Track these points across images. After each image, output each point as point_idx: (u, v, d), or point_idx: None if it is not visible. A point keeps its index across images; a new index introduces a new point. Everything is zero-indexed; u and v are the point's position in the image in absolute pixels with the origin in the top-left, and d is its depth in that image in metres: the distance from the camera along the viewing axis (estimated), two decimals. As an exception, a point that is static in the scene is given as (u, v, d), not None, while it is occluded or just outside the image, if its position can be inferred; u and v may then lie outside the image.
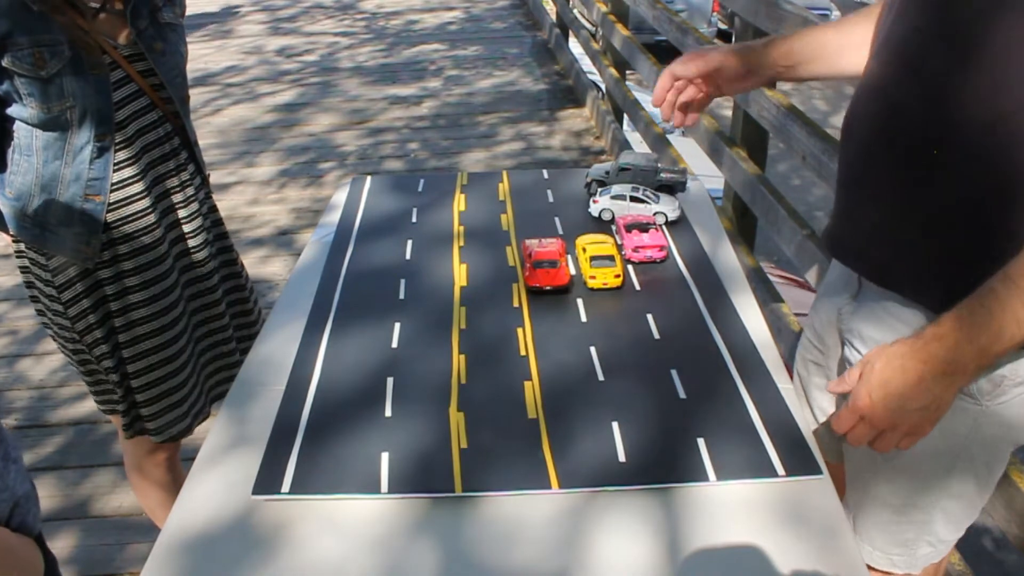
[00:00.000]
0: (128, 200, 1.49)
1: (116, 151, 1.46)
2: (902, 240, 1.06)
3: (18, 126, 1.40)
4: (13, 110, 1.37)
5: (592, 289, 1.40)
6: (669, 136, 4.10)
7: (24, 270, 1.57)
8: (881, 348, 0.99)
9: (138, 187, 1.50)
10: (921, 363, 0.93)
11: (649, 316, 1.33)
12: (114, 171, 1.46)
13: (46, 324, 1.63)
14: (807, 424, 1.11)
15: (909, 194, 1.03)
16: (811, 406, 1.30)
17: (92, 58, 1.37)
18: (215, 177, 2.76)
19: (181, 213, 1.60)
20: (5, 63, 1.31)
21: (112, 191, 1.47)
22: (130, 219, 1.50)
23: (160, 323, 1.57)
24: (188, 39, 1.64)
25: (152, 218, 1.53)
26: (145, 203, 1.51)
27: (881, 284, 1.09)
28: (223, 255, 1.74)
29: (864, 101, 1.09)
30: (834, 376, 1.26)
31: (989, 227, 0.98)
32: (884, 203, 1.07)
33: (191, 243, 1.62)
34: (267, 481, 1.02)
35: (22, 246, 1.52)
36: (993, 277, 0.90)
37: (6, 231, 1.53)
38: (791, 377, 1.24)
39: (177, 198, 1.59)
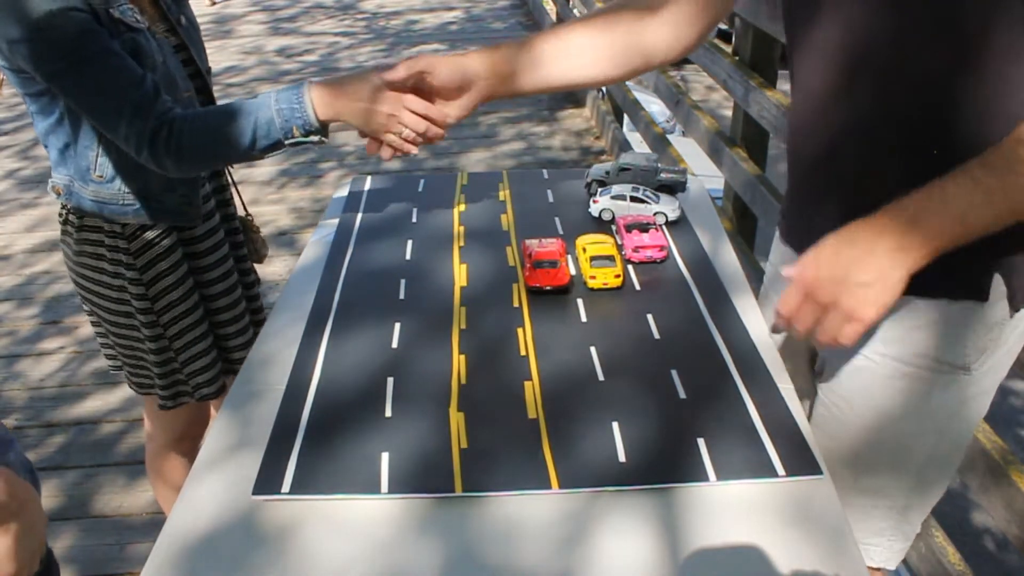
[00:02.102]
0: None
1: None
2: None
3: None
4: None
5: (592, 289, 1.40)
6: (669, 136, 4.10)
7: (81, 255, 1.54)
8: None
9: None
10: (873, 234, 0.91)
11: (649, 316, 1.33)
12: None
13: (86, 299, 1.60)
14: (807, 426, 1.10)
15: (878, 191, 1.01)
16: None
17: (155, 24, 1.44)
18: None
19: (218, 183, 1.67)
20: (116, 15, 1.33)
21: None
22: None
23: (226, 283, 1.64)
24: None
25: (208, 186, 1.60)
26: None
27: None
28: (234, 234, 1.77)
29: (833, 107, 1.06)
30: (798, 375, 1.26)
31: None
32: (855, 202, 1.04)
33: (220, 213, 1.70)
34: (267, 481, 1.02)
35: (101, 235, 1.51)
36: (959, 169, 0.89)
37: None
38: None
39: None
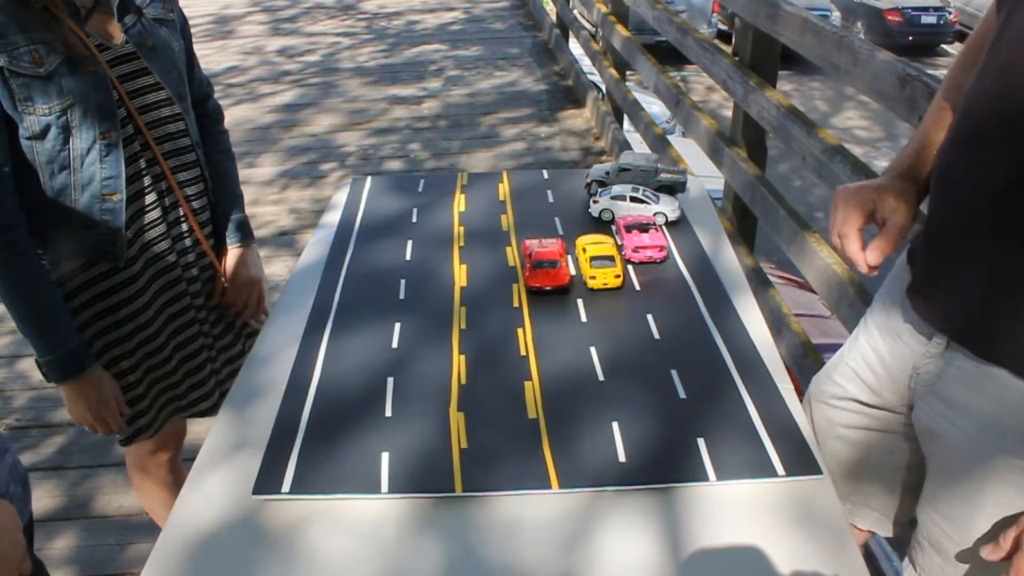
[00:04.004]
0: (136, 199, 1.48)
1: (123, 148, 1.44)
2: (1006, 307, 0.96)
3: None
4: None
5: (592, 289, 1.40)
6: (669, 136, 4.10)
7: None
8: None
9: (146, 183, 1.49)
10: None
11: (649, 316, 1.33)
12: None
13: None
14: (807, 425, 1.10)
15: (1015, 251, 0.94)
16: (820, 447, 1.22)
17: (85, 56, 1.36)
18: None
19: (177, 213, 1.58)
20: (2, 63, 1.28)
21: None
22: (138, 218, 1.49)
23: (175, 324, 1.57)
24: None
25: (156, 213, 1.52)
26: (153, 198, 1.50)
27: (987, 358, 1.00)
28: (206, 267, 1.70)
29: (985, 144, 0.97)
30: (897, 433, 1.21)
31: None
32: (987, 263, 0.97)
33: (189, 245, 1.61)
34: (267, 481, 1.02)
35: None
36: None
37: None
38: (792, 380, 1.24)
39: (175, 198, 1.57)
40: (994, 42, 0.98)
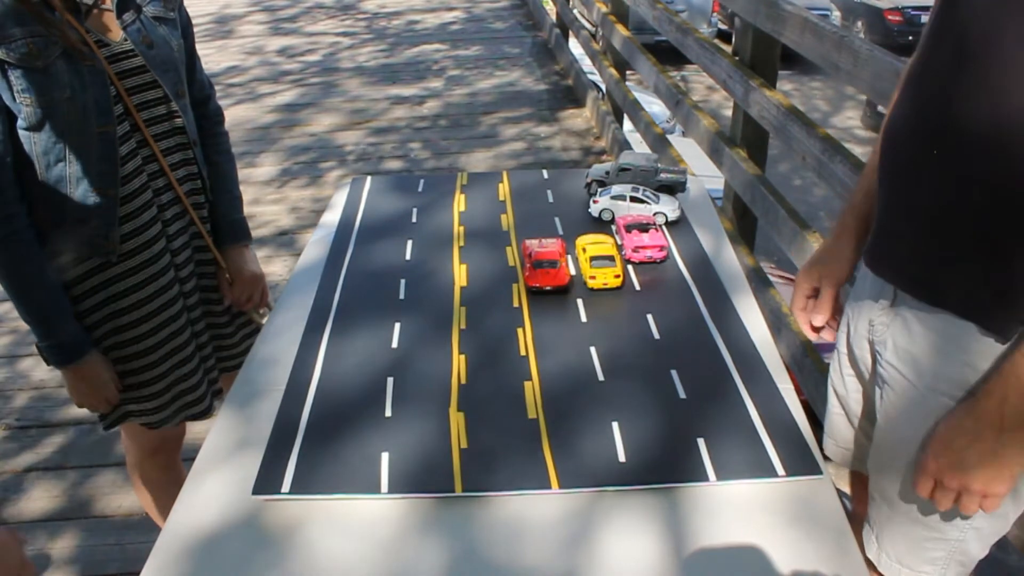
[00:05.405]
0: (130, 195, 1.48)
1: (120, 144, 1.44)
2: (946, 255, 1.01)
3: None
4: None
5: (592, 289, 1.40)
6: (669, 136, 4.10)
7: None
8: (947, 413, 1.01)
9: (140, 180, 1.49)
10: (975, 420, 0.95)
11: (649, 316, 1.33)
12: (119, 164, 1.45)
13: None
14: (807, 426, 1.10)
15: (951, 207, 0.99)
16: (851, 422, 1.27)
17: (83, 50, 1.37)
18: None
19: (175, 210, 1.58)
20: (0, 55, 1.29)
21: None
22: (133, 215, 1.49)
23: (162, 317, 1.57)
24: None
25: (154, 210, 1.52)
26: (147, 196, 1.51)
27: (926, 300, 1.05)
28: (203, 265, 1.70)
29: (908, 113, 1.04)
30: (869, 391, 1.22)
31: None
32: (927, 216, 1.03)
33: (189, 240, 1.61)
34: (267, 481, 1.02)
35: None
36: None
37: None
38: (792, 380, 1.24)
39: (173, 195, 1.57)
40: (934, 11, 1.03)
